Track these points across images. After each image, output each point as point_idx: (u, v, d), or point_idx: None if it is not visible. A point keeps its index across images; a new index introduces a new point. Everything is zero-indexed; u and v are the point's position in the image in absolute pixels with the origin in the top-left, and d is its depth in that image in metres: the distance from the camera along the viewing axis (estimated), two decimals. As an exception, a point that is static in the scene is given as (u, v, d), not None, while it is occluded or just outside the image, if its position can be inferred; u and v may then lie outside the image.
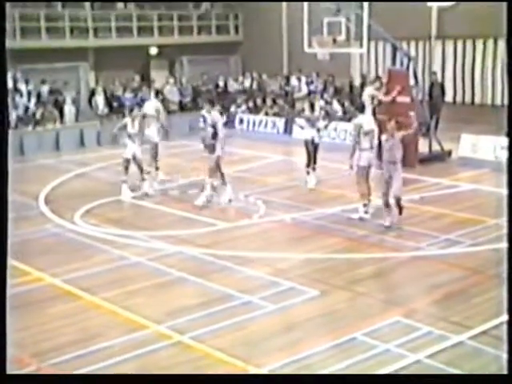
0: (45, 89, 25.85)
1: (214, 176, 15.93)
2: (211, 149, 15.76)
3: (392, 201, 13.59)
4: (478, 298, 10.15)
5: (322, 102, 25.34)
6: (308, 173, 17.35)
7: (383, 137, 13.66)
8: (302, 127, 17.76)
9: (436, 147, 19.94)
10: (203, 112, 16.11)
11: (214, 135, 15.69)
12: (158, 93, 27.47)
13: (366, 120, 14.74)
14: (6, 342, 4.84)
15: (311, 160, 17.35)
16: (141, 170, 17.09)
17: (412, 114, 13.99)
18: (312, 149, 17.28)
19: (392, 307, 9.97)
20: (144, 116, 17.96)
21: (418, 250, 12.42)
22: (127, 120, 16.98)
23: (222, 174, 16.11)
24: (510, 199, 5.68)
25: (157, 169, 18.12)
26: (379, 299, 10.33)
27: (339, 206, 15.20)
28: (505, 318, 6.72)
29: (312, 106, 17.53)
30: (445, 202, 15.51)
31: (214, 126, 15.69)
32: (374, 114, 23.13)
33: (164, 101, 27.56)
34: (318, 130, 17.31)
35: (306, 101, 26.10)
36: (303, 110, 17.87)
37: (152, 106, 18.56)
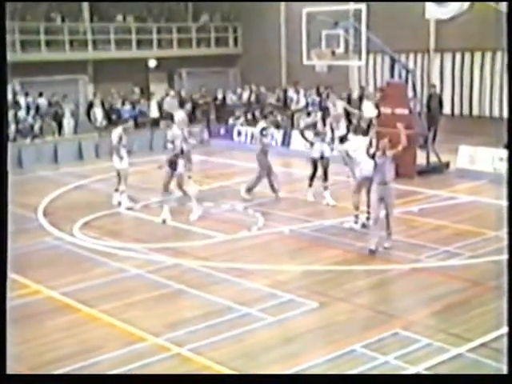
0: (42, 101, 25.85)
1: (167, 191, 15.66)
2: (172, 165, 15.39)
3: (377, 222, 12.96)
4: (478, 310, 10.13)
5: (319, 115, 25.51)
6: (325, 188, 16.74)
7: (377, 154, 13.10)
8: (312, 143, 16.71)
9: (434, 159, 19.95)
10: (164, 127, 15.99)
11: (174, 151, 15.36)
12: (159, 105, 27.61)
13: (353, 147, 14.73)
14: (6, 342, 4.83)
15: (324, 176, 16.71)
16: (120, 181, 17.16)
17: (399, 125, 13.85)
18: (325, 164, 16.66)
19: (391, 319, 9.94)
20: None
21: (418, 261, 12.40)
22: (121, 132, 16.96)
23: (184, 192, 15.78)
24: (510, 211, 5.69)
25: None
26: (378, 311, 10.31)
27: (338, 218, 15.19)
28: (505, 330, 6.72)
29: (323, 120, 17.18)
30: (443, 214, 15.50)
31: (173, 142, 15.38)
32: (368, 127, 23.30)
33: (162, 113, 27.69)
34: (328, 144, 16.99)
35: (303, 113, 26.39)
36: (315, 125, 17.22)
37: (179, 114, 18.85)
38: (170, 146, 15.47)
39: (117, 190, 17.14)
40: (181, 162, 15.40)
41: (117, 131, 16.73)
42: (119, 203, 17.02)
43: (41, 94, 25.84)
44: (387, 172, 12.72)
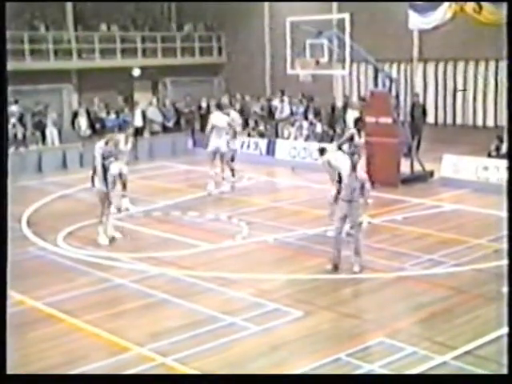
0: (15, 109, 25.49)
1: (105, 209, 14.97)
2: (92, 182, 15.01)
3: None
4: (462, 317, 10.16)
5: (305, 124, 25.59)
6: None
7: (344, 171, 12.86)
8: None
9: (418, 168, 20.02)
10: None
11: (93, 168, 14.83)
12: (144, 114, 27.57)
13: (334, 156, 14.77)
14: (6, 342, 4.78)
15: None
16: (124, 186, 17.22)
17: (358, 140, 13.79)
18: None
19: (376, 328, 9.95)
20: (212, 127, 19.16)
21: (402, 270, 12.42)
22: (120, 137, 17.01)
23: (109, 205, 15.05)
24: (509, 218, 5.74)
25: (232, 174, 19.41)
26: (363, 320, 10.32)
27: (322, 227, 15.19)
28: (488, 338, 6.75)
29: (359, 132, 16.95)
30: (427, 223, 15.54)
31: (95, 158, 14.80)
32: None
33: (146, 122, 27.65)
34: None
35: (288, 122, 26.44)
36: (352, 138, 16.84)
37: (221, 118, 19.40)
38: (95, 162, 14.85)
39: (124, 196, 17.35)
40: (97, 179, 14.70)
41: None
42: (127, 209, 17.21)
43: (16, 101, 25.59)
44: (354, 191, 12.29)
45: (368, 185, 12.53)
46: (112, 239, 14.75)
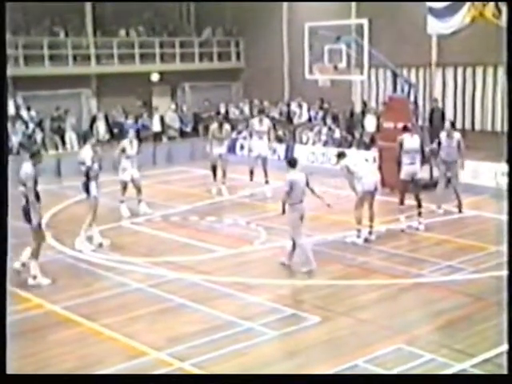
0: (33, 113, 25.65)
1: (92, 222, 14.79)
2: (85, 189, 14.78)
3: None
4: (481, 325, 10.08)
5: (324, 129, 25.56)
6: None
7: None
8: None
9: (437, 173, 19.88)
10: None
11: (86, 174, 14.59)
12: (162, 119, 27.66)
13: (353, 161, 14.77)
14: (6, 342, 4.80)
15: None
16: (139, 191, 17.27)
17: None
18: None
19: (394, 334, 9.89)
20: (251, 134, 19.89)
21: (421, 276, 12.35)
22: (125, 143, 17.13)
23: (93, 218, 14.89)
24: (510, 226, 5.67)
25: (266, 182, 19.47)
26: (381, 326, 10.26)
27: (340, 232, 15.15)
28: (507, 346, 6.67)
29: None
30: (446, 229, 15.46)
31: (83, 164, 14.62)
32: (372, 141, 23.30)
33: (164, 127, 27.73)
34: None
35: (306, 127, 26.42)
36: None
37: (264, 122, 19.80)
38: (81, 167, 14.70)
39: (140, 201, 17.46)
40: (93, 185, 14.63)
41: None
42: (145, 213, 17.32)
43: (29, 109, 25.77)
44: (304, 191, 12.76)
45: None
46: (100, 245, 14.67)
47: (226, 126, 20.21)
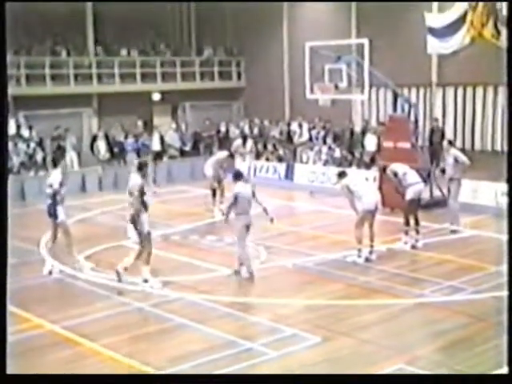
0: (33, 133, 25.71)
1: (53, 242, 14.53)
2: (52, 213, 14.30)
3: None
4: (482, 346, 10.05)
5: (324, 148, 25.63)
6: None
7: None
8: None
9: (437, 193, 19.93)
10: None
11: (53, 197, 14.15)
12: (162, 138, 27.71)
13: (354, 181, 14.81)
14: (6, 342, 4.79)
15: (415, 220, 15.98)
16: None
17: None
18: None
19: (395, 354, 9.87)
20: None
21: (422, 296, 12.33)
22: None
23: (55, 238, 14.55)
24: (510, 246, 5.67)
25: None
26: (382, 346, 10.23)
27: (341, 252, 15.14)
28: (508, 368, 6.68)
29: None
30: (447, 248, 15.45)
31: (51, 186, 14.17)
32: (372, 160, 23.35)
33: (164, 146, 27.76)
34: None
35: (306, 146, 26.50)
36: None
37: (247, 144, 20.56)
38: (48, 190, 14.28)
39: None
40: (60, 209, 14.22)
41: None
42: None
43: (30, 128, 25.83)
44: (250, 202, 13.72)
45: None
46: (78, 269, 14.35)
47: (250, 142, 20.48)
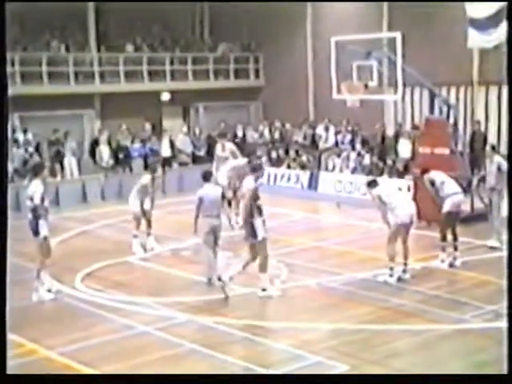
0: (30, 137, 25.85)
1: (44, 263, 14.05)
2: (33, 228, 13.86)
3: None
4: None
5: (352, 155, 25.59)
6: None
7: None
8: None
9: (479, 205, 19.80)
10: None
11: (34, 211, 13.76)
12: (172, 143, 27.75)
13: (386, 191, 14.74)
14: (6, 341, 4.80)
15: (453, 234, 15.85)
16: (149, 224, 17.33)
17: None
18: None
19: (432, 386, 9.78)
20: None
21: (461, 322, 12.23)
22: (147, 181, 17.19)
23: (42, 260, 14.04)
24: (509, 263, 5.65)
25: None
26: (417, 377, 10.15)
27: (371, 270, 15.07)
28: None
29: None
30: (489, 267, 15.30)
31: (31, 199, 13.76)
32: (406, 168, 23.27)
33: (174, 151, 27.79)
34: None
35: (333, 152, 26.47)
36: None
37: (226, 147, 20.81)
38: (28, 203, 13.89)
39: (149, 235, 17.60)
40: (42, 224, 13.80)
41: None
42: (152, 248, 17.49)
43: (25, 131, 25.96)
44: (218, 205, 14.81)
45: None
46: (48, 291, 14.13)
47: None
